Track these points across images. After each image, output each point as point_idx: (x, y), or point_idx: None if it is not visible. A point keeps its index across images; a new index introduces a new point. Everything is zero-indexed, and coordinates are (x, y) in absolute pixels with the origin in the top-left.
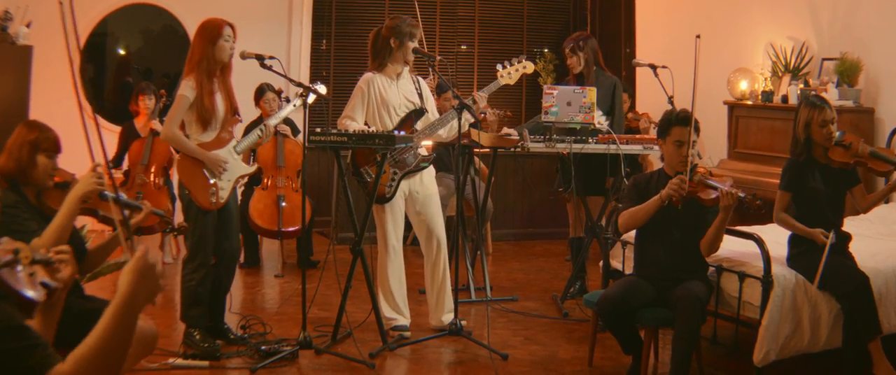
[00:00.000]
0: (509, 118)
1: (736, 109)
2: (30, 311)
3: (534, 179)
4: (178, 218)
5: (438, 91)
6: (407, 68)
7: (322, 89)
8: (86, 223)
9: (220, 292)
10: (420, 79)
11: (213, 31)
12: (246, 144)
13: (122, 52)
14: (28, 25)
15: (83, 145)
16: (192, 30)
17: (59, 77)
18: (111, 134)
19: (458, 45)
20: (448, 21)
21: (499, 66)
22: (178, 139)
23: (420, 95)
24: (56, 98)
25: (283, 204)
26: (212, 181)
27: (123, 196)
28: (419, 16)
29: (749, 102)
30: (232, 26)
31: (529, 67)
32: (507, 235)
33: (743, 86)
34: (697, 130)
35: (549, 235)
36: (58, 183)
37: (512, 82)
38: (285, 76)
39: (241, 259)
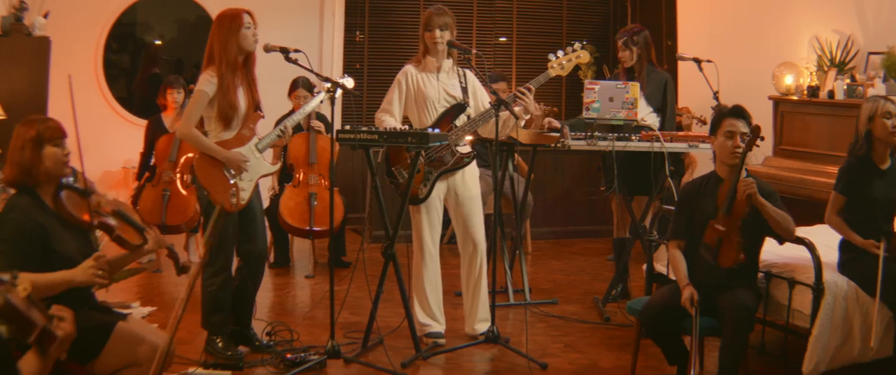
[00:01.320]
0: (555, 114)
1: (781, 104)
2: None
3: (574, 176)
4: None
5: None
6: (450, 61)
7: (349, 83)
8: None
9: (246, 297)
10: (467, 72)
11: (234, 20)
12: (267, 143)
13: (158, 42)
14: (45, 16)
15: (105, 141)
16: None
17: (80, 69)
18: (137, 128)
19: (495, 37)
20: (486, 12)
21: (551, 56)
22: (195, 137)
23: (465, 90)
24: (77, 91)
25: (315, 202)
26: (232, 181)
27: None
28: (455, 6)
29: (794, 97)
30: (251, 14)
31: (585, 56)
32: (547, 233)
33: (788, 80)
34: (750, 124)
35: (589, 233)
36: (78, 188)
37: (564, 73)
38: (311, 70)
39: (271, 259)
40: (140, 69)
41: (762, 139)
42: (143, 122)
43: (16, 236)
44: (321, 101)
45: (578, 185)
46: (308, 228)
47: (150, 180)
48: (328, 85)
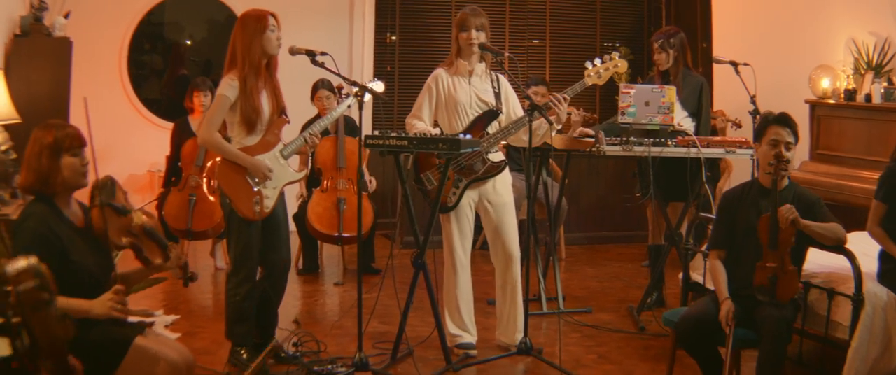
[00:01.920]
0: (595, 121)
1: (818, 108)
2: None
3: (608, 180)
4: None
5: (527, 85)
6: (483, 65)
7: (379, 87)
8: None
9: (270, 307)
10: (501, 76)
11: (258, 21)
12: (292, 149)
13: (188, 42)
14: (66, 16)
15: (131, 144)
16: None
17: (104, 71)
18: (164, 131)
19: (528, 40)
20: (518, 14)
21: (588, 64)
22: (217, 143)
23: (497, 95)
24: (101, 93)
25: (344, 207)
26: (255, 189)
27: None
28: (487, 7)
29: (831, 101)
30: (275, 17)
31: (622, 66)
32: (580, 238)
33: (824, 83)
34: (795, 133)
35: (623, 238)
36: (116, 206)
37: (601, 82)
38: (338, 74)
39: (300, 265)
40: (167, 70)
41: (786, 163)
42: (170, 125)
43: (32, 246)
44: (349, 106)
45: (613, 190)
46: (337, 234)
47: (176, 184)
48: (356, 89)
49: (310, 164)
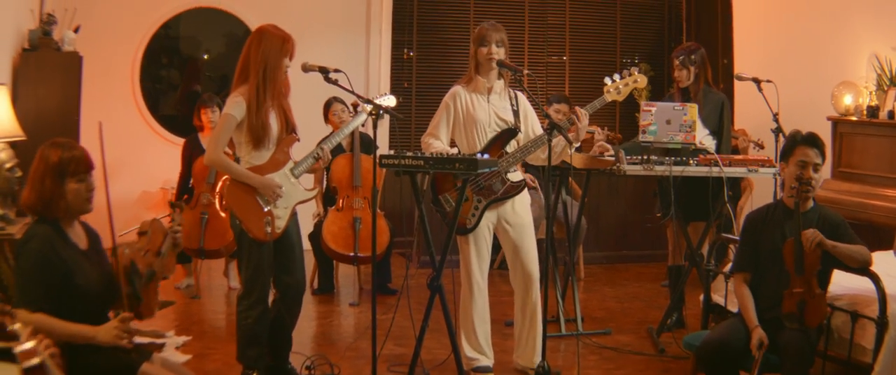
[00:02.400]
0: (618, 141)
1: (840, 125)
2: None
3: (628, 199)
4: None
5: (548, 103)
6: (501, 82)
7: (390, 102)
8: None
9: (283, 329)
10: (519, 94)
11: (285, 43)
12: (303, 168)
13: (205, 56)
14: (76, 30)
15: (144, 161)
16: None
17: (117, 86)
18: (177, 147)
19: (548, 55)
20: (537, 29)
21: (607, 80)
22: (224, 163)
23: (516, 113)
24: (112, 109)
25: (360, 226)
26: (266, 209)
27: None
28: (506, 22)
29: (853, 118)
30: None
31: (642, 81)
32: (599, 258)
33: (847, 100)
34: (823, 154)
35: (643, 258)
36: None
37: (620, 98)
38: (352, 91)
39: (315, 285)
40: (181, 86)
41: (809, 184)
42: (181, 141)
43: (36, 268)
44: (362, 123)
45: (633, 209)
46: (352, 254)
47: (188, 202)
48: (370, 107)
49: (324, 182)
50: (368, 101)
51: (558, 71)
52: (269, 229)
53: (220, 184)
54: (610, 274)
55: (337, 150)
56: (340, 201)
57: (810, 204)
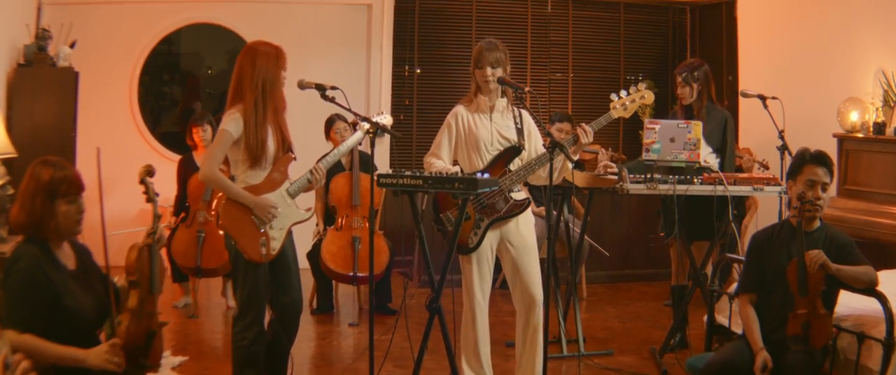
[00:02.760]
0: (622, 161)
1: (846, 142)
2: None
3: (632, 218)
4: None
5: (551, 121)
6: (504, 100)
7: (386, 120)
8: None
9: (280, 351)
10: (524, 112)
11: (279, 57)
12: (298, 187)
13: (209, 71)
14: (72, 46)
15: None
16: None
17: (114, 102)
18: (171, 164)
19: (550, 72)
20: (540, 47)
21: (613, 96)
22: (219, 180)
23: (520, 131)
24: (109, 126)
25: (359, 246)
26: (262, 230)
27: None
28: (508, 39)
29: (860, 135)
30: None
31: (649, 97)
32: (602, 277)
33: (853, 117)
34: (831, 172)
35: (645, 277)
36: (131, 281)
37: (627, 115)
38: (349, 109)
39: (314, 305)
40: (181, 102)
41: (812, 204)
42: (177, 157)
43: (23, 289)
44: (360, 141)
45: (636, 228)
46: (351, 274)
47: (184, 221)
48: (367, 125)
49: (325, 200)
50: (365, 119)
51: (561, 88)
52: (264, 250)
53: (215, 201)
54: (612, 293)
55: (336, 169)
56: (340, 220)
57: (817, 223)
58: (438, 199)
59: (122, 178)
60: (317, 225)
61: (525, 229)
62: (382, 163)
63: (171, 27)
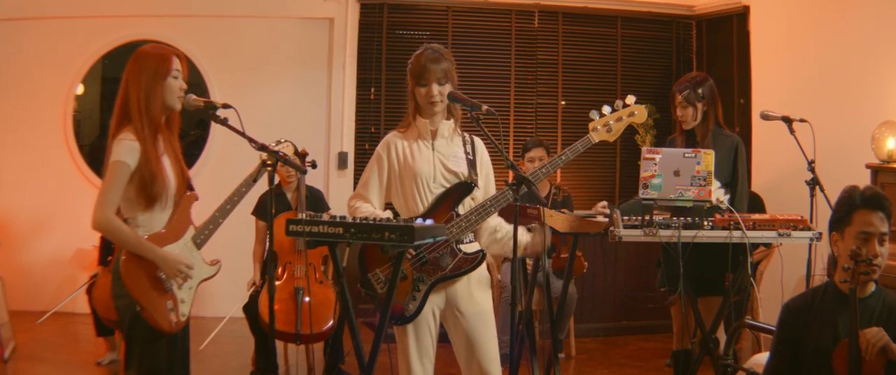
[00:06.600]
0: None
1: (881, 174)
2: None
3: (628, 262)
4: None
5: (525, 149)
6: (450, 123)
7: (288, 149)
8: None
9: None
10: (475, 139)
11: (160, 62)
12: (206, 234)
13: None
14: None
15: (77, 214)
16: (210, 78)
17: (46, 130)
18: None
19: (537, 97)
20: (525, 67)
21: (593, 114)
22: (117, 229)
23: (471, 162)
24: (42, 155)
25: (302, 298)
26: (170, 291)
27: None
28: (489, 59)
29: (895, 165)
30: (180, 57)
31: (640, 114)
32: (595, 330)
33: (890, 144)
34: (890, 217)
35: (644, 329)
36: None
37: (611, 138)
38: (243, 133)
39: (253, 367)
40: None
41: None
42: None
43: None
44: (255, 177)
45: (632, 274)
46: (294, 332)
47: (109, 265)
48: (265, 154)
49: (267, 244)
50: (263, 148)
51: (550, 114)
52: (173, 317)
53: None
54: (606, 350)
55: (282, 207)
56: (280, 269)
57: (871, 287)
58: (366, 254)
59: (57, 213)
60: (254, 273)
61: (478, 291)
62: (340, 198)
63: (108, 46)
